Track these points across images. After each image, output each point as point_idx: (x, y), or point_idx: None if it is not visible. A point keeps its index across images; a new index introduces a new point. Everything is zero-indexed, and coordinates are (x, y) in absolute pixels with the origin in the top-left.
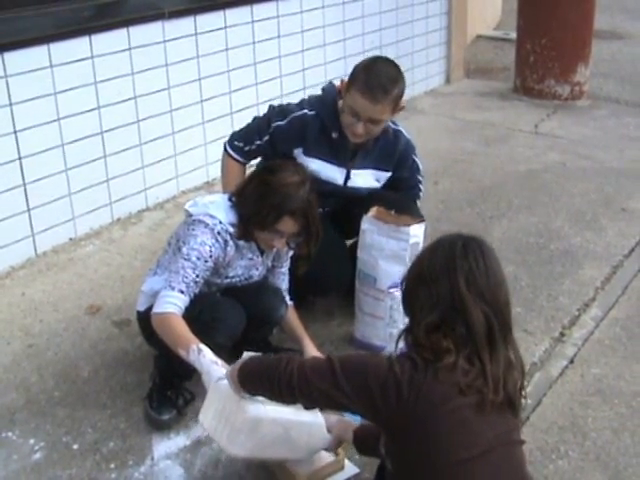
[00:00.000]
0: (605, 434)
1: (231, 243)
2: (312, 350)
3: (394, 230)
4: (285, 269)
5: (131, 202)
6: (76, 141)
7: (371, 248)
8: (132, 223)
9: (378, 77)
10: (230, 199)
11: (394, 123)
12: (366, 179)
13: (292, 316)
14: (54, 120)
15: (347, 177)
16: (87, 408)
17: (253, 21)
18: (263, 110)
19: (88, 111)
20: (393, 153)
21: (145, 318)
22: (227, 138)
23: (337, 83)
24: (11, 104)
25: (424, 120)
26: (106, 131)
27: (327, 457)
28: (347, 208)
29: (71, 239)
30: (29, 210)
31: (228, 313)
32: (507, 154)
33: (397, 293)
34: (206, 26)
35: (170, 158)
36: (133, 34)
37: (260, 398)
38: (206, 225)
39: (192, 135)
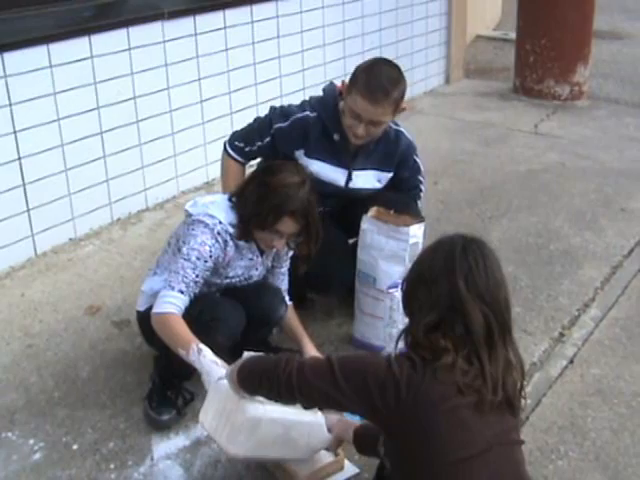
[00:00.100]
0: (605, 434)
1: (231, 243)
2: (311, 350)
3: (394, 230)
4: (285, 269)
5: (131, 202)
6: (76, 141)
7: (371, 248)
8: (132, 223)
9: (379, 79)
10: (230, 199)
11: (395, 123)
12: (367, 180)
13: (292, 316)
14: (54, 120)
15: (348, 178)
16: (87, 408)
17: (253, 21)
18: (263, 110)
19: (88, 111)
20: (394, 154)
21: (145, 318)
22: (227, 138)
23: (338, 83)
24: (11, 104)
25: (424, 120)
26: (106, 131)
27: (327, 457)
28: (347, 208)
29: (71, 239)
30: (29, 210)
31: (228, 313)
32: (507, 154)
33: (397, 293)
34: (206, 26)
35: (170, 158)
36: (133, 34)
37: (260, 398)
38: (206, 225)
39: (192, 135)
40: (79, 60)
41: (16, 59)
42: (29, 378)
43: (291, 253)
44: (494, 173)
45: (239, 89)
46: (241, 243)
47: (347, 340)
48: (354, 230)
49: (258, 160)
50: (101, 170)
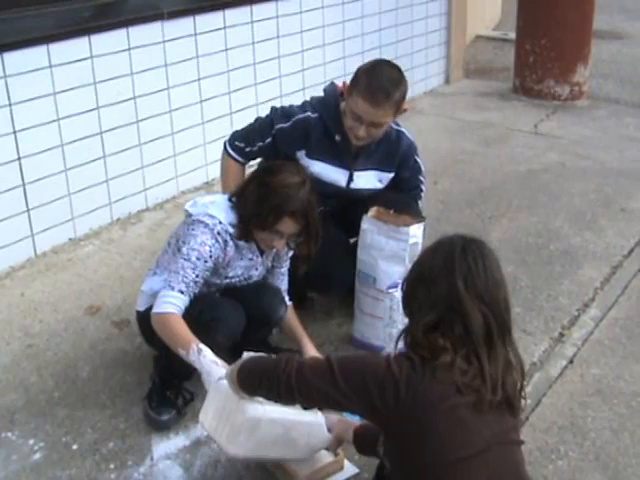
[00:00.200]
0: (605, 434)
1: (231, 243)
2: (311, 350)
3: (394, 230)
4: (284, 269)
5: (131, 202)
6: (75, 141)
7: (371, 248)
8: (132, 223)
9: (380, 81)
10: (230, 199)
11: (396, 124)
12: (369, 180)
13: (291, 316)
14: (53, 120)
15: (350, 179)
16: (87, 408)
17: (252, 21)
18: (262, 110)
19: (87, 111)
20: (395, 154)
21: (145, 318)
22: (227, 138)
23: (338, 84)
24: (10, 104)
25: (423, 120)
26: (105, 131)
27: (327, 457)
28: (348, 207)
29: (71, 239)
30: (28, 210)
31: (228, 313)
32: (506, 154)
33: (396, 293)
34: (205, 26)
35: (169, 158)
36: (132, 34)
37: (260, 398)
38: (206, 225)
39: (191, 135)
40: (79, 60)
41: (16, 59)
42: (29, 378)
43: (291, 253)
44: (494, 173)
45: (239, 89)
46: (241, 243)
47: (347, 340)
48: (355, 230)
49: (258, 160)
50: (101, 170)
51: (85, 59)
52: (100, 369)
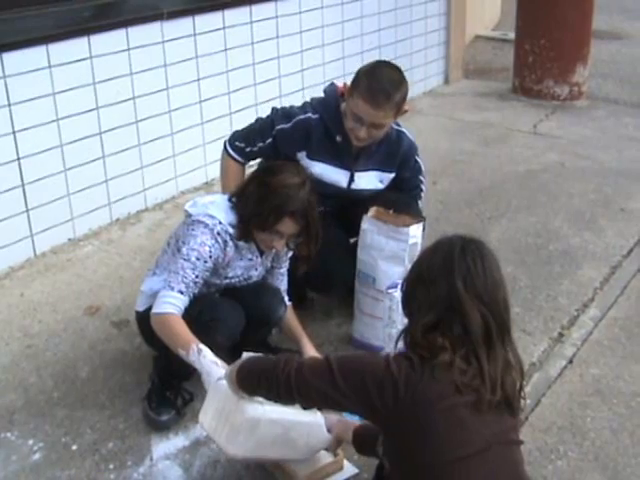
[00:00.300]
0: (604, 434)
1: (230, 244)
2: (310, 350)
3: (393, 230)
4: (284, 270)
5: (130, 202)
6: (75, 141)
7: (371, 248)
8: (131, 223)
9: (380, 82)
10: (230, 199)
11: (397, 124)
12: (370, 181)
13: (291, 316)
14: (53, 120)
15: (351, 179)
16: (86, 409)
17: (252, 21)
18: (262, 110)
19: (87, 111)
20: (396, 154)
21: (144, 318)
22: (227, 137)
23: (339, 84)
24: (10, 104)
25: (423, 120)
26: (105, 131)
27: (326, 457)
28: (348, 207)
29: (70, 239)
30: (28, 211)
31: (227, 314)
32: (506, 154)
33: (396, 294)
34: (205, 26)
35: (169, 158)
36: (132, 34)
37: (259, 398)
38: (206, 225)
39: (191, 135)
40: (78, 60)
41: (15, 59)
42: (28, 378)
43: (290, 253)
44: (493, 173)
45: (238, 89)
46: (241, 243)
47: (346, 340)
48: (355, 230)
49: (258, 160)
50: (100, 170)
51: (84, 59)
52: (99, 369)
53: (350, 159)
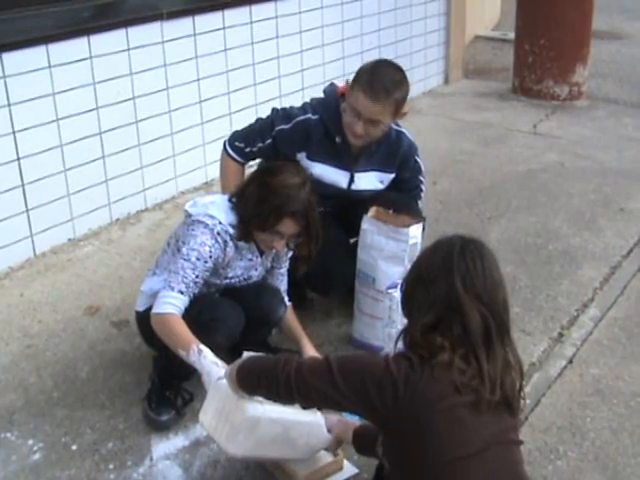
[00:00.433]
0: (604, 434)
1: (230, 244)
2: (310, 350)
3: (393, 231)
4: (284, 270)
5: (130, 202)
6: (75, 141)
7: (370, 248)
8: (131, 224)
9: (382, 79)
10: (230, 200)
11: (397, 124)
12: (370, 181)
13: (291, 317)
14: (53, 120)
15: (351, 180)
16: (86, 409)
17: (252, 22)
18: (262, 110)
19: (87, 111)
20: (396, 154)
21: (144, 318)
22: (227, 138)
23: (339, 84)
24: (10, 104)
25: (423, 120)
26: (105, 131)
27: (326, 457)
28: (349, 207)
29: (70, 240)
30: (28, 211)
31: (227, 314)
32: (506, 154)
33: (396, 294)
34: (205, 26)
35: (169, 158)
36: (132, 34)
37: (259, 398)
38: (206, 225)
39: (191, 135)
40: (78, 60)
41: (15, 59)
42: (28, 378)
43: (290, 254)
44: (493, 173)
45: (238, 89)
46: (241, 244)
47: (346, 340)
48: (355, 230)
49: (258, 160)
50: (100, 170)
51: (84, 59)
52: (99, 369)
53: (350, 160)
